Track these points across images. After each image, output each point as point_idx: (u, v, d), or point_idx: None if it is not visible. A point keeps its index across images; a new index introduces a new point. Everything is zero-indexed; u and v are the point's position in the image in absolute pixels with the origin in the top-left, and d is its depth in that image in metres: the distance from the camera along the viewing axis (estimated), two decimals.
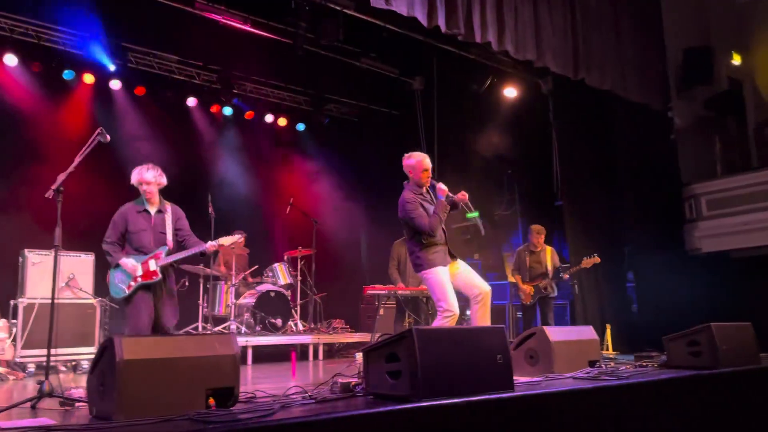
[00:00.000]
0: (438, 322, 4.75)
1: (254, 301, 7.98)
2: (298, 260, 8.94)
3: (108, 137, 4.40)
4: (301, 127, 11.11)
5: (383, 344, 3.53)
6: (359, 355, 5.22)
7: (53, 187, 4.11)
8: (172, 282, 4.97)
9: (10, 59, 8.10)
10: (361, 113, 11.55)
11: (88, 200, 7.47)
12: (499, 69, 8.78)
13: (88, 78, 8.82)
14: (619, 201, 8.64)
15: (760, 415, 4.74)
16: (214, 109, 10.07)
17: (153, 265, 4.77)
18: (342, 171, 11.09)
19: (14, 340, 6.06)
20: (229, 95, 9.94)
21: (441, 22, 6.19)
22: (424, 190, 5.04)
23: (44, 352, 3.92)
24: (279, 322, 8.01)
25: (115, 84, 8.99)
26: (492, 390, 3.41)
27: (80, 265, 6.70)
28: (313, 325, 8.72)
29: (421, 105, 9.80)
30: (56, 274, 4.03)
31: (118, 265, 4.80)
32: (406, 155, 5.09)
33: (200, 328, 7.97)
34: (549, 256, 7.54)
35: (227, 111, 10.17)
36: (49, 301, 4.02)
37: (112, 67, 8.80)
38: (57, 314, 4.02)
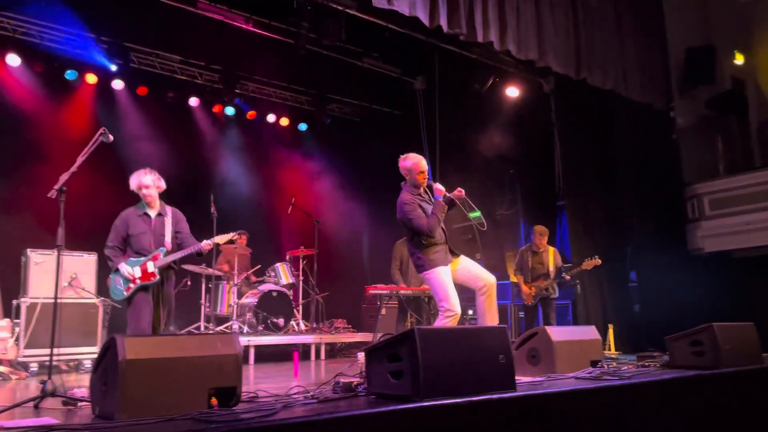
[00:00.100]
0: (439, 322, 4.74)
1: (256, 300, 7.98)
2: (300, 260, 8.95)
3: (111, 137, 4.41)
4: (303, 126, 11.12)
5: (385, 344, 3.53)
6: (361, 355, 5.24)
7: (56, 187, 4.12)
8: (170, 284, 5.05)
9: (13, 59, 8.12)
10: (363, 113, 11.55)
11: (90, 200, 7.49)
12: (500, 68, 8.77)
13: (91, 78, 8.84)
14: (621, 201, 8.63)
15: (762, 415, 4.74)
16: (216, 109, 10.09)
17: (151, 267, 4.87)
18: (344, 171, 11.10)
19: (17, 339, 6.07)
20: (231, 95, 9.96)
21: (443, 21, 6.19)
22: (422, 190, 5.03)
23: (47, 351, 3.93)
24: (281, 321, 8.01)
25: (118, 84, 9.01)
26: (494, 390, 3.40)
27: (83, 264, 6.71)
28: (315, 325, 8.73)
29: (422, 105, 9.80)
30: (59, 274, 4.04)
31: (118, 270, 4.90)
32: (402, 156, 5.07)
33: (202, 328, 7.98)
34: (551, 258, 7.52)
35: (229, 111, 10.19)
36: (52, 300, 4.03)
37: (113, 67, 8.82)
38: (59, 314, 4.02)
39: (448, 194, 4.89)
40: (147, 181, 5.02)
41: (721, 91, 9.24)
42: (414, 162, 4.97)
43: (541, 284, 7.42)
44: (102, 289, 6.56)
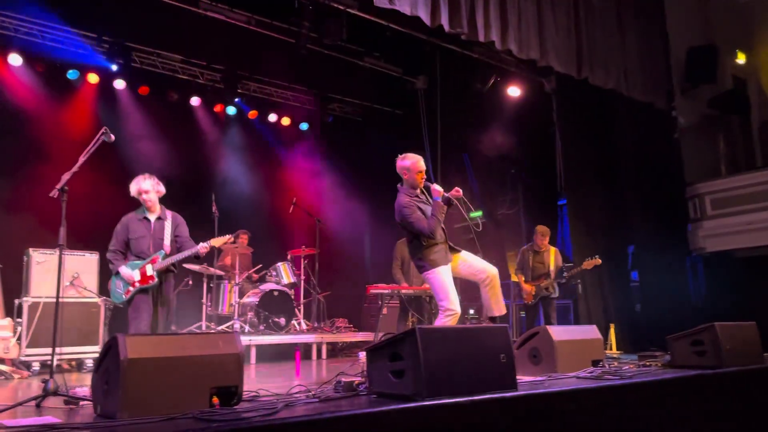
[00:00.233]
0: (440, 321, 4.76)
1: (258, 300, 7.99)
2: (302, 259, 8.95)
3: (112, 137, 4.42)
4: (304, 126, 11.13)
5: (386, 343, 3.53)
6: (362, 355, 5.24)
7: (58, 186, 4.13)
8: (169, 286, 5.11)
9: (15, 59, 8.13)
10: (365, 112, 11.55)
11: (92, 200, 7.50)
12: (502, 68, 8.77)
13: (92, 78, 8.85)
14: (622, 200, 8.62)
15: (764, 414, 4.73)
16: (217, 108, 10.10)
17: (150, 270, 4.95)
18: (345, 170, 11.10)
19: (19, 338, 6.08)
20: (233, 95, 9.96)
21: (444, 21, 6.18)
22: (419, 191, 5.01)
23: (49, 350, 3.94)
24: (282, 321, 8.02)
25: (119, 84, 9.03)
26: (495, 389, 3.40)
27: (84, 264, 6.72)
28: (316, 324, 8.74)
29: (424, 104, 9.80)
30: (61, 273, 4.04)
31: (118, 273, 5.01)
32: (400, 156, 5.04)
33: (204, 327, 7.99)
34: (552, 257, 7.54)
35: (231, 110, 10.20)
36: (54, 300, 4.03)
37: (115, 67, 8.83)
38: (61, 313, 4.02)
39: (446, 194, 4.89)
40: (146, 186, 5.09)
41: (722, 91, 9.23)
42: (413, 162, 4.96)
43: (542, 283, 7.43)
44: (103, 288, 6.57)
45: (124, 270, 4.96)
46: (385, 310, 7.47)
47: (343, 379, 3.73)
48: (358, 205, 11.18)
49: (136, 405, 2.87)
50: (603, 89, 7.84)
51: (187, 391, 3.04)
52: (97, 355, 5.96)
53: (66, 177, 4.15)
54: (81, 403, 3.50)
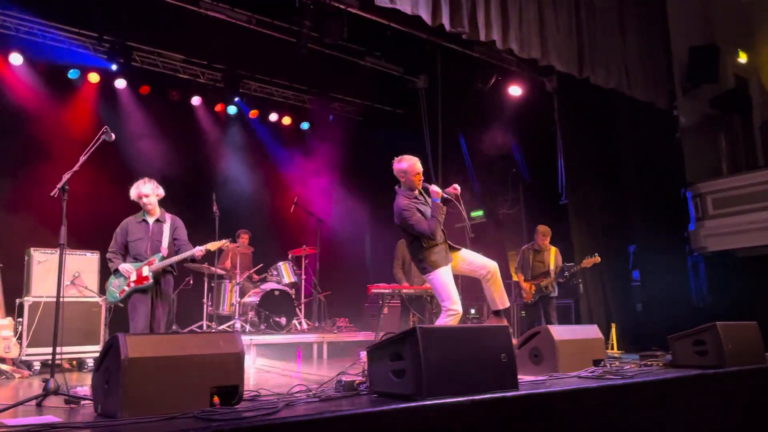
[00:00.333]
0: (441, 320, 4.78)
1: (258, 299, 7.99)
2: (303, 259, 8.95)
3: (113, 136, 4.43)
4: (305, 125, 11.13)
5: (387, 343, 3.52)
6: (363, 354, 5.24)
7: (58, 185, 4.13)
8: (168, 286, 5.16)
9: (16, 58, 8.13)
10: (365, 112, 11.55)
11: (93, 199, 7.51)
12: (503, 67, 8.76)
13: (93, 77, 8.85)
14: (623, 200, 8.61)
15: (765, 414, 4.72)
16: (218, 108, 10.10)
17: (146, 271, 5.03)
18: (346, 170, 11.10)
19: (20, 338, 6.08)
20: (233, 94, 9.96)
21: (445, 20, 6.17)
22: (417, 192, 5.00)
23: (49, 350, 3.93)
24: (283, 320, 8.02)
25: (120, 83, 9.03)
26: (496, 389, 3.40)
27: (85, 263, 6.71)
28: (317, 324, 8.73)
29: (425, 103, 9.79)
30: (61, 273, 4.04)
31: (117, 271, 5.10)
32: (396, 159, 5.03)
33: (205, 327, 7.99)
34: (553, 257, 7.56)
35: (231, 110, 10.20)
36: (55, 299, 4.03)
37: (115, 67, 8.83)
38: (62, 312, 4.02)
39: (444, 195, 4.88)
40: (146, 190, 5.16)
41: (724, 90, 9.21)
42: (410, 164, 4.94)
43: (541, 282, 7.44)
44: (104, 287, 6.57)
45: (124, 266, 5.05)
46: (386, 310, 7.47)
47: (344, 379, 3.72)
48: (359, 205, 11.18)
49: (137, 404, 2.87)
50: (604, 89, 7.83)
51: (188, 391, 3.04)
52: (97, 354, 5.95)
53: (66, 176, 4.15)
54: (82, 402, 3.50)
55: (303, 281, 8.90)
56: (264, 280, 8.69)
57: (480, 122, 9.93)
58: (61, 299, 4.00)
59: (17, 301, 6.38)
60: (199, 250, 5.06)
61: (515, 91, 9.24)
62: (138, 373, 2.91)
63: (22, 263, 6.52)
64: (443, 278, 4.78)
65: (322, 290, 9.12)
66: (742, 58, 9.59)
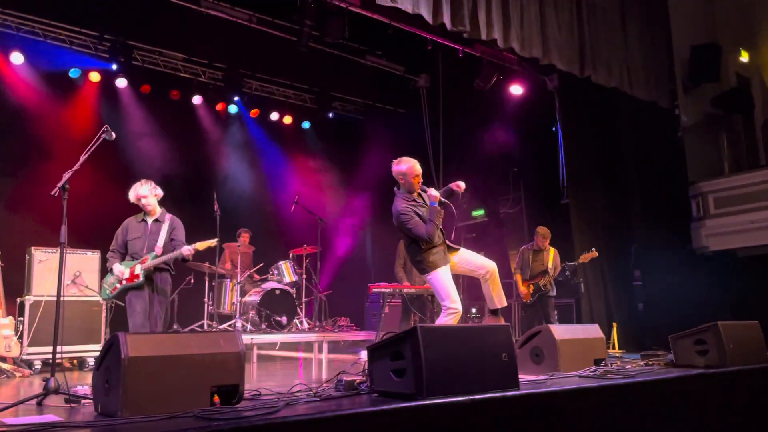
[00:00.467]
0: (442, 319, 4.78)
1: (259, 298, 7.99)
2: (304, 258, 8.95)
3: (113, 135, 4.43)
4: (306, 125, 11.12)
5: (388, 342, 3.52)
6: (364, 353, 5.24)
7: (59, 184, 4.13)
8: (164, 284, 5.21)
9: (17, 57, 8.13)
10: (366, 111, 11.54)
11: (93, 198, 7.50)
12: (504, 66, 8.75)
13: (94, 76, 8.86)
14: (625, 199, 8.60)
15: (767, 413, 4.71)
16: (219, 107, 10.09)
17: (138, 269, 5.12)
18: (347, 169, 11.09)
19: (20, 337, 6.09)
20: (234, 93, 9.96)
21: (446, 19, 6.16)
22: (416, 194, 4.99)
23: (50, 349, 3.93)
24: (284, 319, 8.02)
25: (121, 82, 9.02)
26: (497, 388, 3.39)
27: (86, 262, 6.72)
28: (318, 323, 8.73)
29: (426, 103, 9.78)
30: (62, 272, 4.04)
31: (111, 269, 5.22)
32: (395, 161, 5.00)
33: (206, 326, 7.99)
34: (551, 257, 7.61)
35: (232, 109, 10.20)
36: (55, 298, 4.03)
37: (116, 66, 8.83)
38: (63, 312, 4.02)
39: (443, 199, 4.87)
40: (144, 192, 5.23)
41: (726, 89, 9.18)
42: (409, 166, 4.92)
43: (540, 281, 7.47)
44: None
45: (117, 267, 5.18)
46: (386, 309, 7.46)
47: (345, 378, 3.72)
48: (360, 204, 11.18)
49: (137, 403, 2.87)
50: (605, 88, 7.81)
51: (188, 390, 3.03)
52: (98, 353, 5.95)
53: (67, 175, 4.14)
54: (82, 401, 3.50)
55: (304, 280, 8.89)
56: (265, 280, 8.69)
57: (481, 121, 9.91)
58: (61, 298, 4.00)
59: (18, 300, 6.38)
60: (187, 250, 5.10)
61: (516, 90, 9.23)
62: (138, 372, 2.91)
63: (23, 262, 6.53)
64: (442, 278, 4.78)
65: (323, 289, 9.12)
66: (744, 57, 9.56)
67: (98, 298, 6.62)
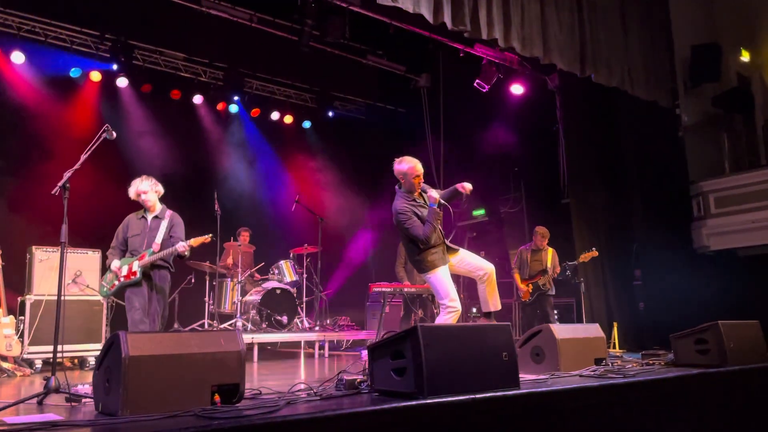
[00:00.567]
0: (441, 318, 4.80)
1: (260, 298, 7.99)
2: (304, 257, 8.95)
3: (114, 134, 4.43)
4: (307, 124, 11.12)
5: (388, 341, 3.52)
6: (364, 353, 5.24)
7: (59, 183, 4.13)
8: (162, 281, 5.23)
9: (18, 57, 8.13)
10: (367, 110, 11.54)
11: (94, 197, 7.51)
12: (505, 66, 8.74)
13: (95, 75, 8.85)
14: (625, 198, 8.60)
15: (767, 413, 4.71)
16: (220, 106, 10.09)
17: (135, 266, 5.14)
18: (348, 168, 11.09)
19: (21, 336, 6.09)
20: (235, 93, 9.96)
21: (447, 18, 6.16)
22: (416, 194, 4.99)
23: (51, 348, 3.93)
24: (285, 319, 8.02)
25: (122, 82, 9.02)
26: (497, 387, 3.39)
27: (87, 261, 6.71)
28: (318, 323, 8.73)
29: (427, 102, 9.77)
30: (62, 271, 4.04)
31: (110, 266, 5.28)
32: (396, 160, 5.01)
33: (206, 325, 7.99)
34: (550, 256, 7.68)
35: (233, 108, 10.20)
36: (56, 297, 4.03)
37: (117, 65, 8.82)
38: (63, 311, 4.03)
39: (443, 202, 4.88)
40: (144, 187, 5.24)
41: (726, 89, 9.17)
42: (410, 166, 4.92)
43: (539, 280, 7.52)
44: None
45: (114, 263, 5.22)
46: (387, 309, 7.47)
47: (345, 377, 3.72)
48: (361, 203, 11.18)
49: (138, 402, 2.87)
50: (606, 87, 7.80)
51: (189, 389, 3.04)
52: (99, 352, 5.96)
53: (68, 174, 4.14)
54: (83, 400, 3.51)
55: (304, 280, 8.90)
56: (266, 279, 8.69)
57: (482, 121, 9.91)
58: (62, 297, 4.00)
59: (19, 299, 6.39)
60: (181, 246, 5.10)
61: (517, 89, 9.22)
62: (139, 371, 2.91)
63: (24, 261, 6.53)
64: (441, 276, 4.80)
65: (324, 289, 9.12)
66: (745, 57, 9.54)
67: (99, 298, 6.62)
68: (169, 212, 5.37)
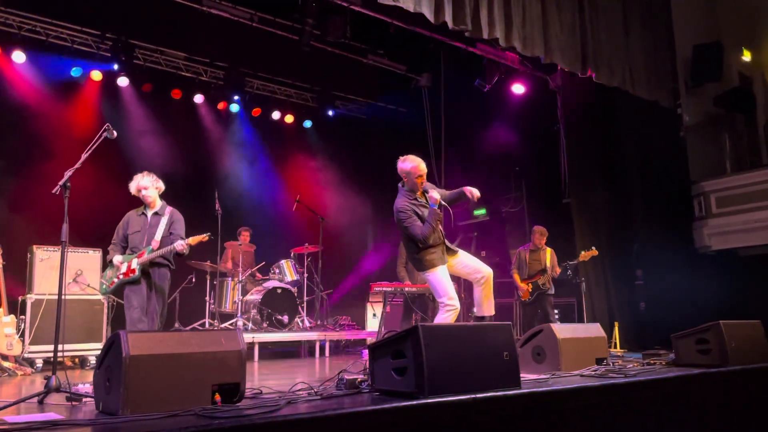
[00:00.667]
0: (440, 316, 4.80)
1: (261, 297, 7.99)
2: (305, 257, 8.95)
3: (115, 134, 4.44)
4: (307, 124, 11.12)
5: (389, 341, 3.52)
6: (365, 352, 5.24)
7: (60, 183, 4.13)
8: (161, 279, 5.21)
9: (19, 56, 8.13)
10: (368, 110, 11.53)
11: (95, 196, 7.51)
12: (506, 65, 8.73)
13: (96, 75, 8.85)
14: (627, 198, 8.58)
15: None
16: (220, 105, 10.09)
17: (134, 263, 5.12)
18: (348, 168, 11.09)
19: (22, 335, 6.09)
20: (236, 92, 9.96)
21: (448, 18, 6.15)
22: (419, 194, 4.99)
23: (52, 347, 3.93)
24: (285, 318, 8.02)
25: (123, 81, 9.01)
26: (498, 387, 3.39)
27: (88, 261, 6.72)
28: (319, 322, 8.73)
29: (428, 102, 9.77)
30: (63, 270, 4.04)
31: (111, 262, 5.26)
32: (400, 158, 5.01)
33: (207, 324, 8.00)
34: (548, 256, 7.72)
35: (234, 108, 10.20)
36: (57, 297, 4.03)
37: (118, 65, 8.82)
38: (64, 310, 4.03)
39: (443, 202, 4.88)
40: (145, 183, 5.24)
41: (728, 89, 9.16)
42: (413, 165, 4.92)
43: (539, 279, 7.56)
44: None
45: (116, 258, 5.21)
46: (388, 308, 7.46)
47: (346, 377, 3.72)
48: (362, 203, 11.18)
49: (138, 402, 2.87)
50: (608, 87, 7.79)
51: (189, 388, 3.04)
52: (99, 352, 5.96)
53: (68, 174, 4.15)
54: (83, 399, 3.51)
55: (305, 279, 8.89)
56: (266, 278, 8.69)
57: (483, 120, 9.90)
58: (63, 297, 4.00)
59: (20, 298, 6.39)
60: (180, 245, 5.09)
61: (518, 89, 9.21)
62: (139, 370, 2.91)
63: (25, 261, 6.53)
64: (439, 276, 4.81)
65: (325, 288, 9.12)
66: (747, 57, 9.53)
67: (100, 297, 6.63)
68: (169, 209, 5.35)
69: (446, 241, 4.98)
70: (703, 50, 8.81)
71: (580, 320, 8.22)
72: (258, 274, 8.84)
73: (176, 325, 8.07)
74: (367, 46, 9.28)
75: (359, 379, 3.69)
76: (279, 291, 8.18)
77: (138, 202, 5.36)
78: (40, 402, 3.55)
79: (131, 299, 5.09)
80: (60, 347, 3.89)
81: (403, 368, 3.32)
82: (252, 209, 9.93)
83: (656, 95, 8.22)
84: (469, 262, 4.99)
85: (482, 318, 4.96)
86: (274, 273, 8.65)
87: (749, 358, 4.86)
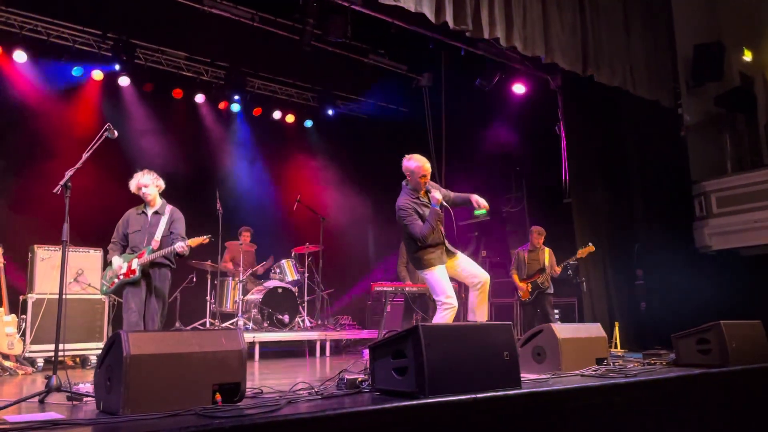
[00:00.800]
0: (438, 315, 4.81)
1: (261, 297, 7.99)
2: (306, 257, 8.96)
3: (116, 133, 4.44)
4: (308, 123, 11.12)
5: (390, 341, 3.52)
6: (366, 352, 5.24)
7: (61, 182, 4.13)
8: (162, 280, 5.18)
9: (20, 56, 8.14)
10: (369, 110, 11.53)
11: (96, 196, 7.51)
12: (507, 65, 8.73)
13: (97, 75, 8.85)
14: (627, 198, 8.58)
15: None
16: (221, 105, 10.09)
17: (134, 264, 5.08)
18: (349, 168, 11.09)
19: (23, 335, 6.10)
20: (237, 92, 9.96)
21: (449, 17, 6.15)
22: (421, 193, 5.01)
23: (52, 347, 3.94)
24: (286, 318, 8.02)
25: (124, 81, 9.01)
26: (499, 387, 3.39)
27: (89, 260, 6.73)
28: (320, 322, 8.73)
29: (428, 101, 9.77)
30: (64, 270, 4.05)
31: (110, 262, 5.22)
32: (406, 156, 5.03)
33: (208, 324, 8.00)
34: (547, 255, 7.76)
35: (235, 108, 10.20)
36: (58, 296, 4.04)
37: (119, 65, 8.83)
38: (65, 309, 4.03)
39: (445, 204, 4.89)
40: (146, 181, 5.20)
41: (729, 88, 9.16)
42: (418, 164, 4.94)
43: (538, 279, 7.61)
44: None
45: (116, 260, 5.16)
46: (389, 308, 7.46)
47: (347, 377, 3.72)
48: (363, 203, 11.18)
49: (139, 401, 2.88)
50: (608, 87, 7.79)
51: (190, 388, 3.04)
52: (100, 351, 5.96)
53: (69, 173, 4.15)
54: (84, 399, 3.51)
55: (306, 279, 8.90)
56: (267, 278, 8.70)
57: (483, 120, 9.89)
58: (64, 296, 4.00)
59: (21, 297, 6.40)
60: (180, 247, 5.06)
61: (519, 89, 9.21)
62: (140, 370, 2.91)
63: (26, 260, 6.54)
64: (437, 275, 4.83)
65: (326, 288, 9.12)
66: (748, 56, 9.53)
67: (100, 296, 6.63)
68: (169, 207, 5.32)
69: (447, 243, 4.98)
70: (703, 50, 8.81)
71: (581, 320, 8.23)
72: (260, 270, 8.84)
73: (177, 324, 8.08)
74: (367, 45, 9.28)
75: (360, 379, 3.69)
76: (280, 291, 8.18)
77: (138, 201, 5.35)
78: (41, 401, 3.55)
79: (129, 302, 5.06)
80: (61, 347, 3.90)
81: (403, 368, 3.33)
82: (253, 209, 9.93)
83: (657, 95, 8.22)
84: (467, 266, 5.00)
85: None
86: (274, 273, 8.65)
87: (750, 359, 4.86)
